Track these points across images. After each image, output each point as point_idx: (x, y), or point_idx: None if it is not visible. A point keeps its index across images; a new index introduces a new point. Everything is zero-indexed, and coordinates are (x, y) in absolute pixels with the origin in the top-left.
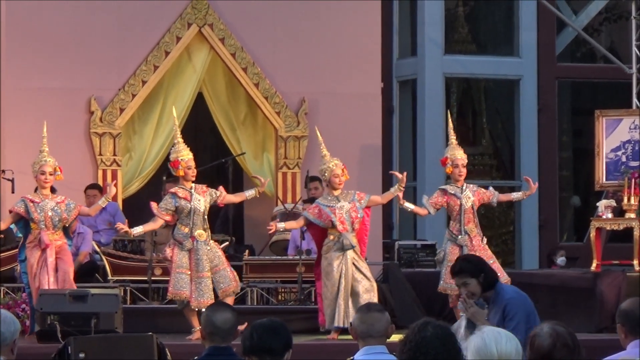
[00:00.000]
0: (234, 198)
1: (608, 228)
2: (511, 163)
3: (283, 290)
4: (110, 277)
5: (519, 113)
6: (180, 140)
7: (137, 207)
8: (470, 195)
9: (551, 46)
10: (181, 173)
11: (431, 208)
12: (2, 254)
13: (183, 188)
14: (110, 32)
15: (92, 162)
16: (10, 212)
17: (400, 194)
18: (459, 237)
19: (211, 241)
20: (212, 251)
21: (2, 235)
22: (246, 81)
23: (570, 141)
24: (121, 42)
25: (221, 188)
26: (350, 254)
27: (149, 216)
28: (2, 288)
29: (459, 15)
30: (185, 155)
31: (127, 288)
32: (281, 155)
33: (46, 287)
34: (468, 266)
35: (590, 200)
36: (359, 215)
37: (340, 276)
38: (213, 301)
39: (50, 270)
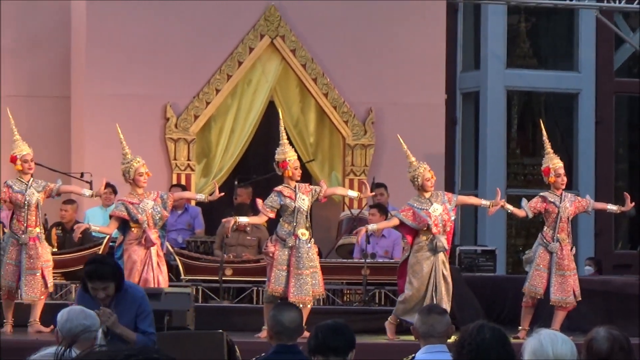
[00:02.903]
0: (336, 191)
1: None
2: (569, 174)
3: (348, 291)
4: (183, 277)
5: (577, 126)
6: (286, 141)
7: (208, 211)
8: (568, 206)
9: (609, 62)
10: (289, 173)
11: (529, 211)
12: (84, 252)
13: (288, 187)
14: (186, 43)
15: (167, 166)
16: (111, 216)
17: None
18: (551, 244)
19: (312, 240)
20: (312, 251)
21: (80, 235)
22: (316, 91)
23: (627, 153)
24: (196, 52)
25: (322, 182)
26: (440, 255)
27: (219, 219)
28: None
29: (520, 30)
30: (291, 155)
31: (199, 287)
32: (348, 163)
33: (152, 285)
34: (109, 270)
35: None
36: (451, 218)
37: (429, 277)
38: (311, 299)
39: (155, 268)
